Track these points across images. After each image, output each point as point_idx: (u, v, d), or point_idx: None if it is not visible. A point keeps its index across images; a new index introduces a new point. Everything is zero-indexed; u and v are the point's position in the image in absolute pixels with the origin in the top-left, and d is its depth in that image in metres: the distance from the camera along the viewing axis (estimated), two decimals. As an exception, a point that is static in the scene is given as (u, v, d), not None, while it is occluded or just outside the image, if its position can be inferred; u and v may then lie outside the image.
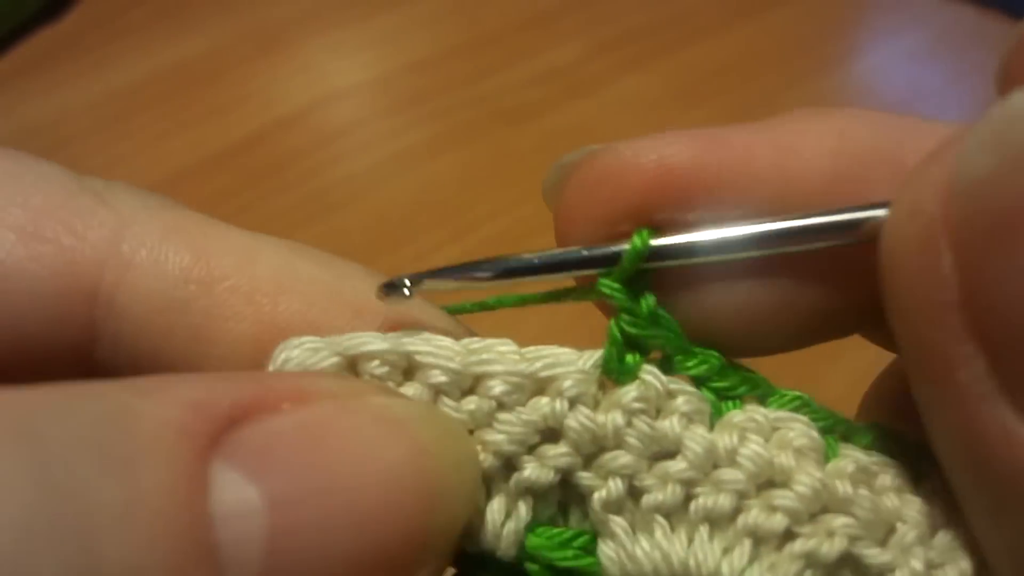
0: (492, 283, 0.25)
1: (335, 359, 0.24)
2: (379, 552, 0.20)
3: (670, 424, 0.25)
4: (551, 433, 0.25)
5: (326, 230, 0.83)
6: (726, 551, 0.24)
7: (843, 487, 0.24)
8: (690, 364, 0.26)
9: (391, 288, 0.25)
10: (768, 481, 0.24)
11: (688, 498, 0.24)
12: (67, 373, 0.25)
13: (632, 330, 0.25)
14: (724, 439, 0.24)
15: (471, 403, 0.24)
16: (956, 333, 0.20)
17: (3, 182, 0.25)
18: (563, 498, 0.25)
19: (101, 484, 0.17)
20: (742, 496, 0.24)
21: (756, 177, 0.25)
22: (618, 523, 0.24)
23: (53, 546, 0.16)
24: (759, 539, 0.24)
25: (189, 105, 0.95)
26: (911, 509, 0.24)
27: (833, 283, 0.25)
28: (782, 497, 0.24)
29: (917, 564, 0.24)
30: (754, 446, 0.24)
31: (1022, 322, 0.19)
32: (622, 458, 0.24)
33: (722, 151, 0.25)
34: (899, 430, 0.26)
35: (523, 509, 0.24)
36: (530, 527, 0.25)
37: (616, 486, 0.24)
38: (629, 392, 0.25)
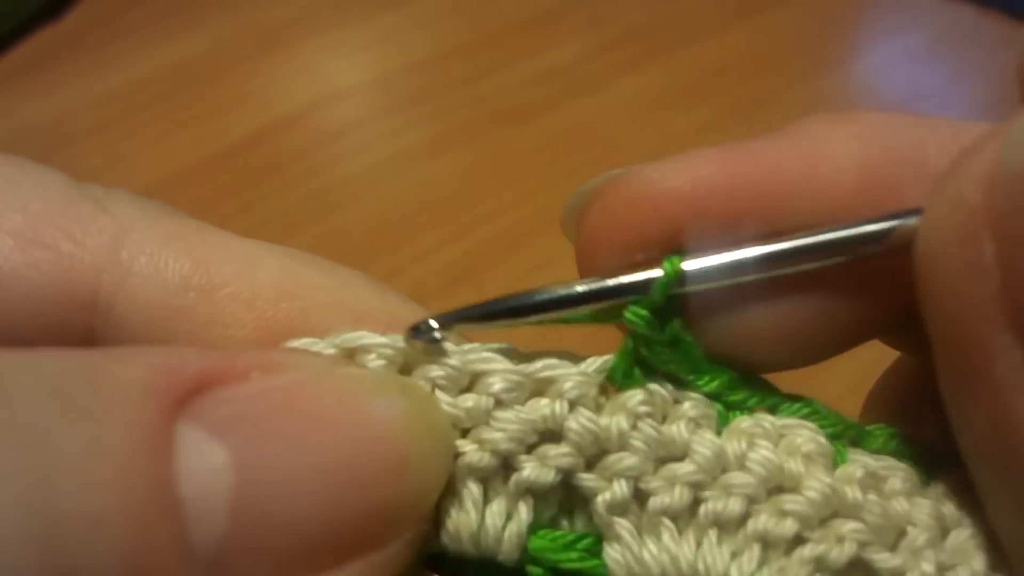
0: (523, 321, 0.25)
1: (331, 351, 0.24)
2: (348, 517, 0.20)
3: (677, 429, 0.25)
4: (551, 435, 0.24)
5: (326, 230, 0.83)
6: (735, 555, 0.24)
7: (852, 493, 0.24)
8: (700, 383, 0.26)
9: (418, 333, 0.24)
10: (777, 486, 0.24)
11: (696, 502, 0.24)
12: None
13: (648, 356, 0.25)
14: (733, 444, 0.24)
15: (469, 400, 0.24)
16: (995, 324, 0.20)
17: (2, 187, 0.25)
18: (564, 501, 0.25)
19: (64, 433, 0.17)
20: (752, 501, 0.24)
21: (789, 192, 0.24)
22: (624, 526, 0.24)
23: (13, 488, 0.16)
24: (768, 544, 0.24)
25: (189, 105, 0.95)
26: (921, 512, 0.24)
27: (861, 292, 0.25)
28: (792, 502, 0.24)
29: (928, 567, 0.24)
30: (764, 451, 0.24)
31: None
32: (627, 460, 0.24)
33: (752, 168, 0.24)
34: (909, 432, 0.26)
35: (524, 511, 0.24)
36: (531, 529, 0.25)
37: (621, 488, 0.24)
38: (635, 396, 0.25)
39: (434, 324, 0.24)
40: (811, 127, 0.25)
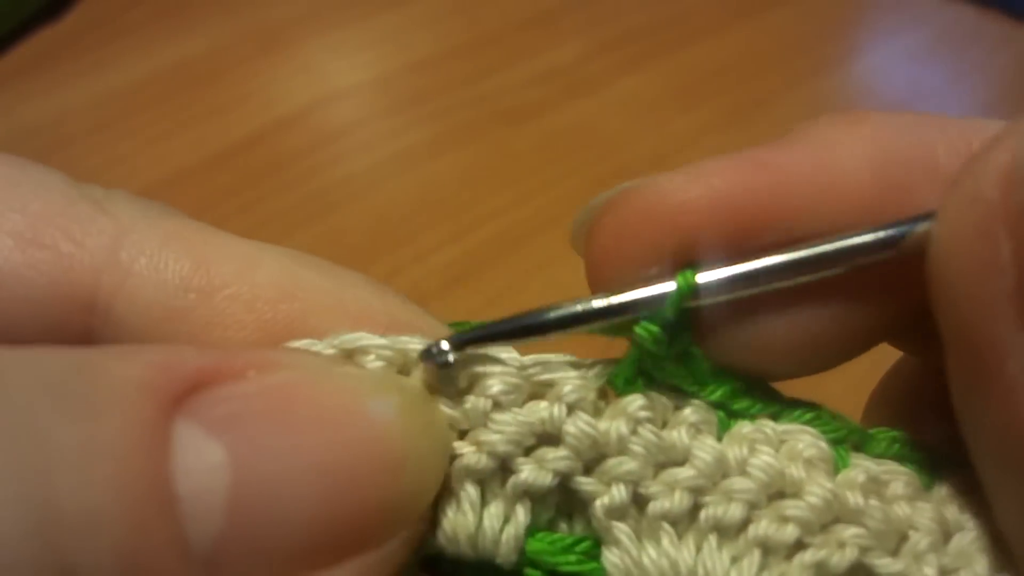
0: (536, 340, 0.24)
1: (330, 351, 0.24)
2: (344, 516, 0.20)
3: (678, 434, 0.25)
4: (549, 438, 0.24)
5: (326, 230, 0.83)
6: (735, 560, 0.24)
7: (854, 498, 0.24)
8: (704, 393, 0.26)
9: (430, 356, 0.24)
10: (778, 492, 0.24)
11: (696, 507, 0.24)
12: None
13: (653, 369, 0.25)
14: (734, 449, 0.24)
15: (467, 402, 0.24)
16: (1010, 322, 0.20)
17: (1, 187, 0.25)
18: (563, 504, 0.25)
19: (62, 428, 0.17)
20: (753, 506, 0.24)
21: (803, 200, 0.24)
22: (622, 530, 0.24)
23: (10, 484, 0.17)
24: (769, 549, 0.24)
25: (189, 105, 0.95)
26: (923, 516, 0.24)
27: (872, 297, 0.25)
28: (793, 507, 0.24)
29: (930, 571, 0.24)
30: (765, 456, 0.24)
31: None
32: (626, 464, 0.24)
33: (766, 177, 0.24)
34: (912, 433, 0.26)
35: (521, 513, 0.24)
36: (529, 532, 0.25)
37: (620, 492, 0.24)
38: (635, 401, 0.25)
39: (446, 347, 0.24)
40: (821, 131, 0.25)
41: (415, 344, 0.24)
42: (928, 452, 0.26)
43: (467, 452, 0.24)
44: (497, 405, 0.24)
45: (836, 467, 0.25)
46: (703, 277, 0.24)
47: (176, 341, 0.25)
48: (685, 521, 0.24)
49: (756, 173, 0.24)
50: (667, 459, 0.25)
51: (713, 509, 0.24)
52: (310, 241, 0.81)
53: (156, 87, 0.98)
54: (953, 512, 0.25)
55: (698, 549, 0.24)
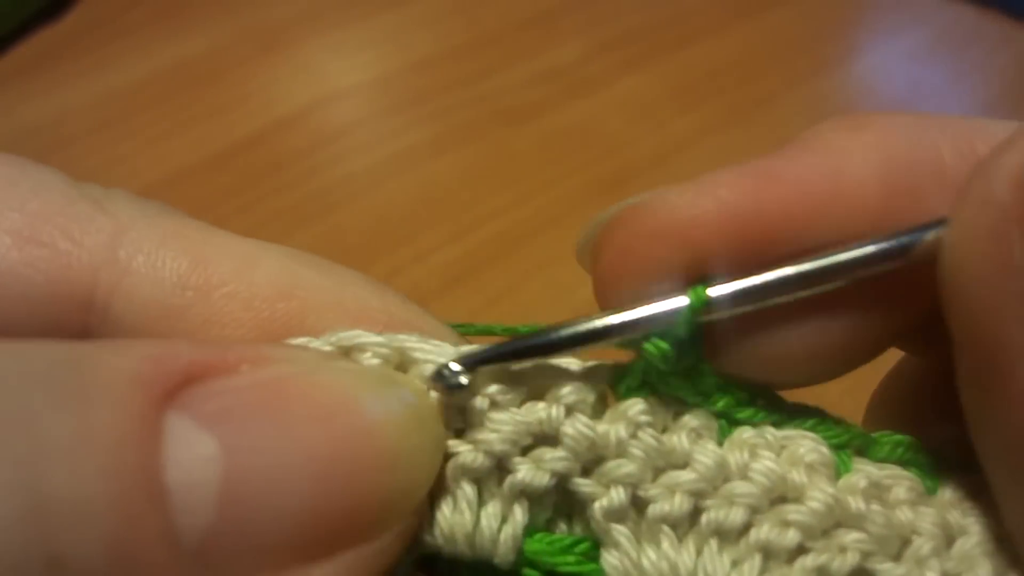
0: (547, 358, 0.24)
1: (327, 348, 0.24)
2: (337, 509, 0.20)
3: (678, 439, 0.24)
4: (547, 439, 0.24)
5: (326, 230, 0.83)
6: (735, 564, 0.24)
7: (855, 503, 0.24)
8: (707, 404, 0.25)
9: (440, 379, 0.24)
10: (780, 496, 0.24)
11: (696, 511, 0.24)
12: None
13: (658, 383, 0.25)
14: (735, 454, 0.24)
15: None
16: (1023, 324, 0.20)
17: (1, 187, 0.25)
18: (562, 506, 0.25)
19: (54, 419, 0.17)
20: (754, 511, 0.24)
21: (814, 210, 0.24)
22: (621, 532, 0.24)
23: (0, 473, 0.16)
24: (770, 553, 0.24)
25: (189, 105, 0.95)
26: (926, 521, 0.24)
27: (881, 304, 0.25)
28: (794, 512, 0.24)
29: None
30: (767, 461, 0.24)
31: None
32: (625, 467, 0.24)
33: (776, 188, 0.24)
34: (914, 436, 0.26)
35: (519, 513, 0.24)
36: (527, 532, 0.24)
37: (618, 494, 0.24)
38: (636, 405, 0.25)
39: (456, 368, 0.24)
40: (826, 138, 0.25)
41: (412, 342, 0.24)
42: (931, 456, 0.26)
43: (464, 451, 0.24)
44: (495, 405, 0.24)
45: (838, 472, 0.25)
46: (714, 292, 0.24)
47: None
48: (685, 524, 0.24)
49: (764, 185, 0.24)
50: (667, 463, 0.24)
51: (714, 513, 0.24)
52: (310, 241, 0.81)
53: (156, 87, 0.98)
54: (956, 516, 0.25)
55: (698, 552, 0.24)
